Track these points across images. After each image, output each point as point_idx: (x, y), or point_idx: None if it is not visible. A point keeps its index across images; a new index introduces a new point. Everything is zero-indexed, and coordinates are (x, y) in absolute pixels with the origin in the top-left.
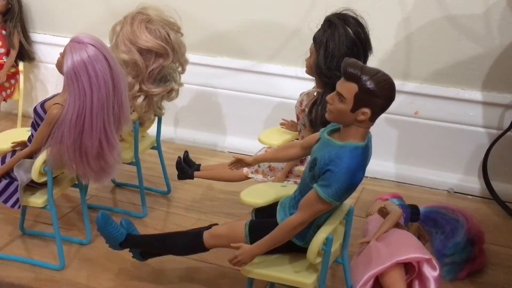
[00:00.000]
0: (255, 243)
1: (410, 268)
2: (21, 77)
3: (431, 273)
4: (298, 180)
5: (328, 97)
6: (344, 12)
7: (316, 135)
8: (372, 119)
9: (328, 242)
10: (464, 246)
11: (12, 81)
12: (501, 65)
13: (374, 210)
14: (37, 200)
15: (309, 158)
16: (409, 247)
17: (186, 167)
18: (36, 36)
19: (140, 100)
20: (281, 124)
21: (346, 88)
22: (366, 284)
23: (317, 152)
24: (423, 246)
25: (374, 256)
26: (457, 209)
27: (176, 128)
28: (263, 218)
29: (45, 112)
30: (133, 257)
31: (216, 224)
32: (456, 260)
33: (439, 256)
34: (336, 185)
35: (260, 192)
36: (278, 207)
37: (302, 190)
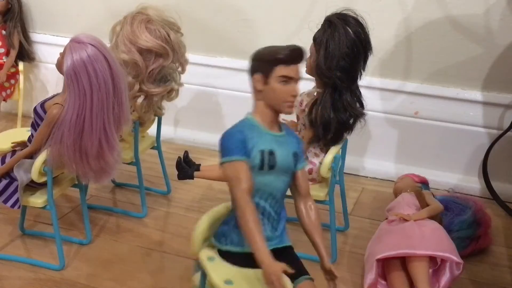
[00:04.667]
0: None
1: (431, 259)
2: (21, 77)
3: (454, 271)
4: None
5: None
6: (344, 12)
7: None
8: None
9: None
10: (470, 224)
11: (12, 81)
12: (501, 65)
13: (409, 187)
14: (37, 200)
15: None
16: (445, 245)
17: (186, 167)
18: (36, 36)
19: (140, 100)
20: None
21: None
22: (386, 257)
23: (286, 149)
24: (455, 247)
25: (404, 236)
26: (469, 198)
27: (176, 128)
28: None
29: (45, 112)
30: None
31: None
32: (461, 236)
33: (446, 232)
34: None
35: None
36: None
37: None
